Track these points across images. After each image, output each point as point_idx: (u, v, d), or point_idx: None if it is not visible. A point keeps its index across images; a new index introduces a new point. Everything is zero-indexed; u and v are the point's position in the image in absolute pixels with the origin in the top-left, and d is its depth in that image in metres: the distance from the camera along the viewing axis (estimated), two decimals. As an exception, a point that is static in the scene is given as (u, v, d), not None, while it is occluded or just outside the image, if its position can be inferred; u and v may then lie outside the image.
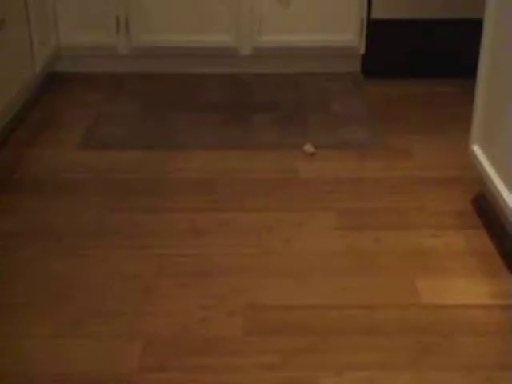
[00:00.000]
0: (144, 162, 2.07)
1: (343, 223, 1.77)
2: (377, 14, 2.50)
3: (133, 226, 1.76)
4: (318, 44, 2.54)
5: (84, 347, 1.38)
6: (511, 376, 1.32)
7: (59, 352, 1.37)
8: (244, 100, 2.46)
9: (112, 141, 2.18)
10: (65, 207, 1.84)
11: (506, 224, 1.65)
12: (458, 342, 1.39)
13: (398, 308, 1.48)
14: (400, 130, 2.24)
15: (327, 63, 2.62)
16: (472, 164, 1.82)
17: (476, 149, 1.79)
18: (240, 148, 2.14)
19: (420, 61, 2.57)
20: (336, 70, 2.62)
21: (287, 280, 1.57)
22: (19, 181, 1.97)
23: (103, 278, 1.58)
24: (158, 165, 2.05)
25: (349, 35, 2.54)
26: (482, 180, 1.76)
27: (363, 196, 1.90)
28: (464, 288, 1.55)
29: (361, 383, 1.30)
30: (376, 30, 2.52)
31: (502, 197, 1.61)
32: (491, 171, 1.69)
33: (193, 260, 1.64)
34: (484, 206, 1.81)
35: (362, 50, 2.56)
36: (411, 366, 1.34)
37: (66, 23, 2.52)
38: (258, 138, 2.21)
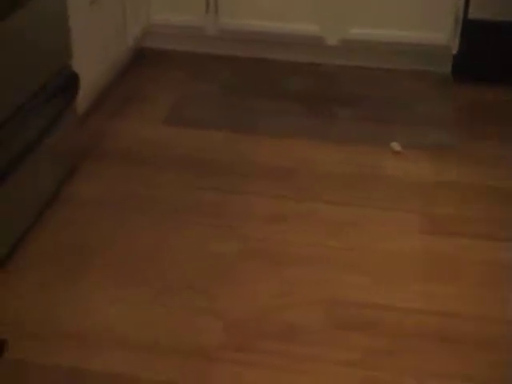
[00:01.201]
0: (226, 144, 2.09)
1: (428, 227, 1.73)
2: (474, 14, 2.41)
3: (215, 205, 1.79)
4: (408, 40, 2.46)
5: (167, 318, 1.41)
6: None
7: (143, 320, 1.41)
8: (327, 91, 2.43)
9: (196, 120, 2.21)
10: (148, 181, 1.88)
11: None
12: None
13: (482, 319, 1.44)
14: (488, 136, 2.16)
15: (416, 61, 2.55)
16: None
17: None
18: (322, 139, 2.12)
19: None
20: (424, 69, 2.54)
21: (367, 278, 1.55)
22: (105, 150, 2.02)
23: (186, 254, 1.61)
24: (240, 148, 2.07)
25: (441, 34, 2.45)
26: None
27: (448, 201, 1.84)
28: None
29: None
30: (471, 30, 2.44)
31: None
32: None
33: (273, 245, 1.65)
34: None
35: (455, 50, 2.49)
36: (495, 381, 1.30)
37: (157, 1, 2.56)
38: (340, 130, 2.19)
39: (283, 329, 1.40)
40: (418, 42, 2.48)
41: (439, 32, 2.47)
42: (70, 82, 1.83)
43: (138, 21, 2.50)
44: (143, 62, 2.57)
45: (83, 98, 1.96)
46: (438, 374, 1.31)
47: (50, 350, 1.33)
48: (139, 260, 1.58)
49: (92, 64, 2.08)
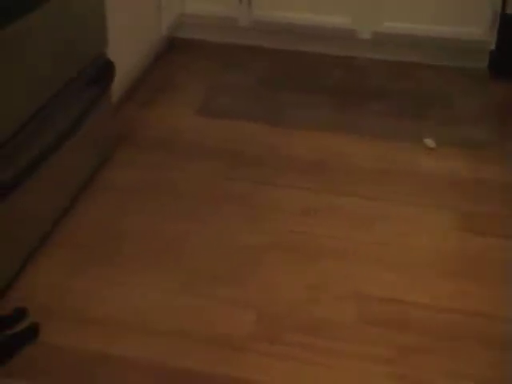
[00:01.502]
0: (257, 136, 2.08)
1: (460, 224, 1.70)
2: (512, 9, 2.38)
3: (246, 196, 1.79)
4: (444, 35, 2.43)
5: (195, 306, 1.42)
6: None
7: (171, 307, 1.42)
8: (359, 85, 2.41)
9: (227, 111, 2.22)
10: (180, 169, 1.89)
11: None
12: None
13: (515, 320, 1.43)
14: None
15: (450, 56, 2.51)
16: None
17: None
18: (354, 133, 2.10)
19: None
20: (460, 64, 2.50)
21: (398, 274, 1.54)
22: (138, 138, 2.04)
23: (216, 244, 1.61)
24: (271, 140, 2.06)
25: (478, 29, 2.41)
26: None
27: (482, 199, 1.82)
28: None
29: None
30: (509, 25, 2.38)
31: None
32: None
33: (303, 238, 1.64)
34: None
35: (493, 46, 2.43)
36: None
37: (192, -9, 2.60)
38: (373, 125, 2.16)
39: (313, 322, 1.40)
40: (453, 37, 2.45)
41: (476, 27, 2.43)
42: (106, 70, 1.85)
43: (171, 10, 2.51)
44: (176, 52, 2.58)
45: (117, 86, 1.98)
46: (475, 377, 1.28)
47: (77, 333, 1.35)
48: (169, 248, 1.59)
49: (126, 53, 2.09)
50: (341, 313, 1.42)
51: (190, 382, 1.26)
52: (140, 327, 1.37)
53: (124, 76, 2.10)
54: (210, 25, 2.64)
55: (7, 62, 1.36)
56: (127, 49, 2.11)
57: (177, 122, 2.14)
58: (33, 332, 1.31)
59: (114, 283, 1.48)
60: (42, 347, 1.31)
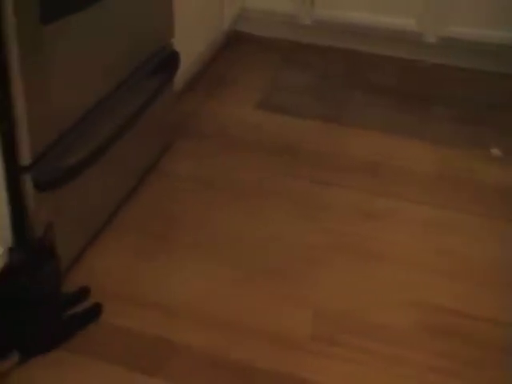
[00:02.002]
0: (316, 133, 2.06)
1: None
2: None
3: (304, 194, 1.77)
4: (508, 42, 2.36)
5: (253, 301, 1.42)
6: None
7: (229, 299, 1.42)
8: (422, 89, 2.36)
9: (286, 107, 2.20)
10: (239, 163, 1.88)
11: None
12: None
13: None
14: None
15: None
16: None
17: None
18: (414, 137, 2.05)
19: None
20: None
21: (462, 285, 1.49)
22: (198, 130, 2.04)
23: (272, 241, 1.60)
24: (330, 138, 2.04)
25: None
26: None
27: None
28: None
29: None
30: None
31: None
32: None
33: (360, 241, 1.62)
34: None
35: None
36: None
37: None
38: (434, 130, 2.11)
39: (371, 327, 1.37)
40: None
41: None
42: (171, 59, 1.86)
43: (234, 4, 2.51)
44: (236, 46, 2.57)
45: (178, 77, 1.99)
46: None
47: (137, 316, 1.36)
48: (226, 240, 1.59)
49: (190, 44, 2.10)
50: (400, 320, 1.39)
51: (246, 375, 1.25)
52: (199, 316, 1.37)
53: (186, 68, 2.10)
54: (271, 21, 2.62)
55: (79, 47, 1.37)
56: (190, 41, 2.11)
57: (236, 115, 2.13)
58: (95, 312, 1.33)
59: (173, 270, 1.49)
60: (104, 327, 1.33)
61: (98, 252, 1.52)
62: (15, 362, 1.21)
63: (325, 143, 2.02)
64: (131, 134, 1.63)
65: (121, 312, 1.36)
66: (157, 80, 1.77)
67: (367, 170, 1.90)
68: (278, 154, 1.95)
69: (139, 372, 1.24)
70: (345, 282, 1.49)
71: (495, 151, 1.97)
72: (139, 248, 1.55)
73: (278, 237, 1.61)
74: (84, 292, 1.37)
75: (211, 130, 2.05)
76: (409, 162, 1.95)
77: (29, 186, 1.29)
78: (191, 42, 2.13)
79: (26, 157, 1.27)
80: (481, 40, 2.39)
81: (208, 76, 2.35)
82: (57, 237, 1.28)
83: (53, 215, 1.33)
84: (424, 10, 2.42)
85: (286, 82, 2.37)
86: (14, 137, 1.24)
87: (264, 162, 1.90)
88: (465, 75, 2.44)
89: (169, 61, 1.85)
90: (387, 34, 2.53)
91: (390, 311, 1.42)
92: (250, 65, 2.47)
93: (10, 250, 1.22)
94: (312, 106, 2.22)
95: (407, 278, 1.51)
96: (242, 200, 1.74)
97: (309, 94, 2.30)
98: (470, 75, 2.44)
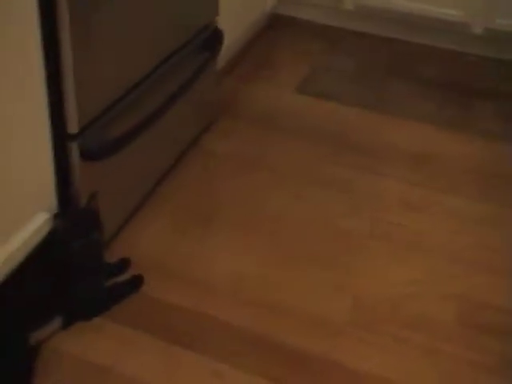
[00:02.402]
0: (358, 121, 2.03)
1: None
2: None
3: (346, 182, 1.74)
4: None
5: (293, 284, 1.40)
6: None
7: (269, 280, 1.40)
8: (467, 82, 2.30)
9: (327, 92, 2.17)
10: (280, 147, 1.86)
11: None
12: None
13: None
14: None
15: None
16: None
17: None
18: (457, 130, 2.00)
19: None
20: None
21: (503, 281, 1.45)
22: (239, 111, 2.02)
23: (314, 226, 1.58)
24: (371, 126, 2.01)
25: None
26: None
27: None
28: None
29: None
30: None
31: None
32: None
33: (403, 231, 1.58)
34: None
35: None
36: None
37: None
38: (478, 124, 2.05)
39: (411, 317, 1.35)
40: None
41: None
42: (216, 38, 1.84)
43: (277, -14, 2.49)
44: (277, 29, 2.54)
45: (221, 56, 1.97)
46: None
47: (176, 290, 1.35)
48: (266, 223, 1.57)
49: (233, 24, 2.08)
50: (440, 312, 1.36)
51: (283, 355, 1.24)
52: (237, 294, 1.37)
53: (227, 48, 2.09)
54: (313, 5, 2.58)
55: (126, 22, 1.36)
56: (234, 21, 2.09)
57: (276, 98, 2.11)
58: (136, 283, 1.34)
59: (212, 247, 1.49)
60: (144, 299, 1.33)
61: (138, 225, 1.52)
62: (57, 327, 1.21)
63: (366, 132, 1.99)
64: (174, 110, 1.62)
65: (160, 285, 1.36)
66: (201, 58, 1.76)
67: (408, 161, 1.86)
68: (319, 139, 1.92)
69: (178, 345, 1.24)
70: (385, 271, 1.46)
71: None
72: (178, 223, 1.55)
73: (319, 222, 1.59)
74: (125, 263, 1.37)
75: (252, 112, 2.03)
76: (450, 155, 1.90)
77: (75, 155, 1.29)
78: (234, 22, 2.10)
79: (73, 125, 1.27)
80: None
81: (249, 58, 2.32)
82: (100, 207, 1.29)
83: (97, 185, 1.33)
84: (473, 0, 2.38)
85: (328, 67, 2.34)
86: (62, 105, 1.25)
87: (304, 147, 1.88)
88: (509, 70, 2.37)
89: (213, 39, 1.83)
90: (433, 24, 2.47)
91: (430, 303, 1.39)
92: (291, 49, 2.44)
93: (56, 216, 1.23)
94: (354, 94, 2.18)
95: (448, 270, 1.48)
96: (283, 184, 1.72)
97: (351, 81, 2.26)
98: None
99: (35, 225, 1.23)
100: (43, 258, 1.21)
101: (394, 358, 1.26)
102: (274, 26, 2.56)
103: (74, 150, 1.28)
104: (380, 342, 1.29)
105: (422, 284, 1.43)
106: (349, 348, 1.27)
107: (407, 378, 1.23)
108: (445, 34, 2.48)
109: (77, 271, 1.21)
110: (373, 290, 1.41)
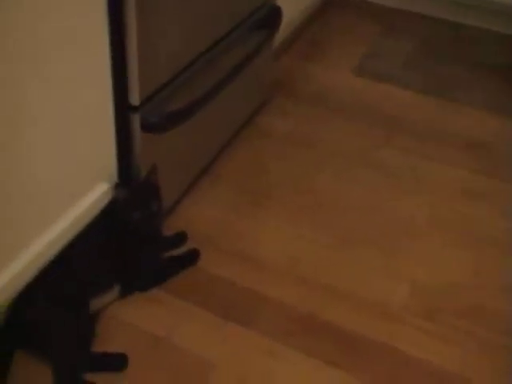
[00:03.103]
0: (414, 104, 1.97)
1: None
2: None
3: (402, 166, 1.70)
4: None
5: (348, 267, 1.38)
6: None
7: (322, 262, 1.39)
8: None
9: (384, 75, 2.11)
10: (337, 128, 1.83)
11: None
12: None
13: None
14: None
15: None
16: None
17: None
18: (519, 118, 1.96)
19: None
20: None
21: None
22: (294, 89, 1.99)
23: (368, 210, 1.55)
24: (427, 111, 1.95)
25: None
26: None
27: None
28: None
29: None
30: None
31: None
32: None
33: (460, 219, 1.54)
34: None
35: None
36: None
37: None
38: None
39: (470, 307, 1.31)
40: None
41: None
42: (274, 15, 1.80)
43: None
44: (334, 9, 2.48)
45: (278, 35, 1.94)
46: None
47: (231, 267, 1.35)
48: (323, 205, 1.55)
49: (291, 2, 2.04)
50: (502, 304, 1.31)
51: (337, 338, 1.22)
52: (291, 274, 1.35)
53: (285, 26, 2.04)
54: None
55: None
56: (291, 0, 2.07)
57: (332, 78, 2.07)
58: (193, 257, 1.34)
59: (267, 226, 1.47)
60: (199, 273, 1.33)
61: (194, 200, 1.52)
62: (116, 295, 1.23)
63: (425, 117, 1.93)
64: (232, 86, 1.60)
65: (215, 261, 1.36)
66: (259, 35, 1.73)
67: (466, 148, 1.80)
68: (374, 122, 1.88)
69: (232, 321, 1.23)
70: (444, 259, 1.42)
71: None
72: (233, 201, 1.54)
73: (377, 207, 1.56)
74: (181, 237, 1.37)
75: (308, 92, 2.00)
76: (510, 143, 1.83)
77: (136, 127, 1.29)
78: (293, 1, 2.07)
79: (135, 97, 1.26)
80: None
81: (306, 37, 2.29)
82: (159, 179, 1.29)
83: (155, 158, 1.33)
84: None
85: (387, 50, 2.27)
86: (125, 76, 1.25)
87: (360, 129, 1.84)
88: None
89: (271, 16, 1.80)
90: (497, 9, 2.38)
91: (489, 294, 1.34)
92: (349, 29, 2.38)
93: (117, 187, 1.24)
94: (412, 77, 2.12)
95: (508, 261, 1.42)
96: (337, 165, 1.69)
97: (409, 64, 2.19)
98: None
99: (96, 194, 1.24)
100: (103, 227, 1.22)
101: (451, 348, 1.23)
102: (333, 6, 2.51)
103: (135, 121, 1.28)
104: (438, 331, 1.26)
105: (480, 274, 1.39)
106: (406, 335, 1.24)
107: (464, 368, 1.20)
108: (509, 19, 2.40)
109: (135, 242, 1.21)
110: (430, 278, 1.37)
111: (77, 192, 1.20)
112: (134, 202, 1.20)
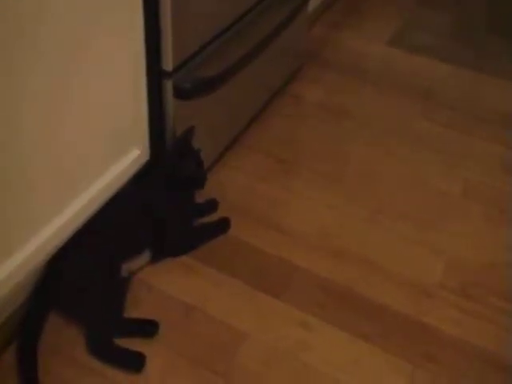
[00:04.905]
0: (450, 77, 1.92)
1: None
2: None
3: (438, 139, 1.66)
4: None
5: (381, 240, 1.35)
6: None
7: (356, 234, 1.36)
8: None
9: (420, 46, 2.06)
10: (370, 99, 1.79)
11: None
12: None
13: None
14: None
15: None
16: None
17: None
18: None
19: None
20: None
21: None
22: (328, 59, 1.96)
23: (404, 183, 1.51)
24: (465, 84, 1.89)
25: None
26: None
27: None
28: None
29: None
30: None
31: None
32: None
33: (499, 195, 1.49)
34: None
35: None
36: None
37: None
38: None
39: (507, 285, 1.27)
40: None
41: None
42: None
43: None
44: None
45: (311, 3, 1.89)
46: None
47: (263, 236, 1.34)
48: (355, 176, 1.52)
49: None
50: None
51: (370, 311, 1.20)
52: (323, 246, 1.33)
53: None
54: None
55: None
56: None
57: (367, 49, 2.02)
58: (224, 225, 1.32)
59: (300, 196, 1.45)
60: (230, 242, 1.31)
61: (225, 168, 1.51)
62: (147, 260, 1.22)
63: (461, 90, 1.88)
64: (265, 54, 1.57)
65: (245, 229, 1.35)
66: (293, 2, 1.69)
67: (502, 122, 1.75)
68: (408, 94, 1.83)
69: (265, 292, 1.22)
70: (481, 235, 1.39)
71: None
72: (265, 169, 1.52)
73: (410, 180, 1.52)
74: (212, 204, 1.36)
75: (341, 61, 1.95)
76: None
77: (169, 92, 1.27)
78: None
79: (168, 63, 1.24)
80: None
81: (340, 6, 2.24)
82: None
83: (188, 124, 1.31)
84: None
85: (423, 21, 2.21)
86: (159, 42, 1.22)
87: (394, 101, 1.79)
88: None
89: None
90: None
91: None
92: (385, 0, 2.32)
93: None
94: (448, 49, 2.06)
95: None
96: (369, 136, 1.65)
97: (446, 36, 2.13)
98: None
99: (128, 160, 1.22)
100: (136, 192, 1.21)
101: (487, 326, 1.20)
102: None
103: (168, 87, 1.26)
104: (473, 309, 1.23)
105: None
106: (438, 310, 1.22)
107: (499, 345, 1.16)
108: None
109: (169, 205, 1.20)
110: (467, 254, 1.34)
111: (109, 158, 1.18)
112: (181, 150, 1.20)
